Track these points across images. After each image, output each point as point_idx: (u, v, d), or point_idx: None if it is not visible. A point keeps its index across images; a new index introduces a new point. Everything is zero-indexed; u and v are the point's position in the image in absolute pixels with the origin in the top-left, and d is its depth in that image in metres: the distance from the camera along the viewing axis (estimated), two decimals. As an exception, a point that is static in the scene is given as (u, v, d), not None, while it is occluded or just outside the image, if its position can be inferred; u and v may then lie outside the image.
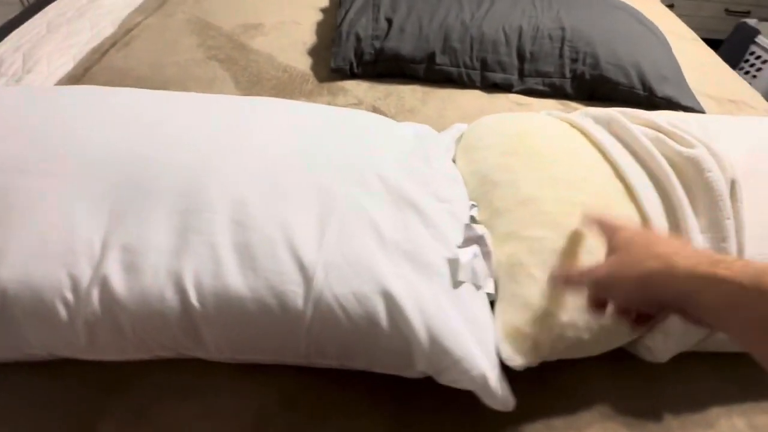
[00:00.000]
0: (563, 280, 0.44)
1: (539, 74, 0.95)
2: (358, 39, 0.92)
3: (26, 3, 1.20)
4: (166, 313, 0.42)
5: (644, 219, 0.51)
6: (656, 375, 0.55)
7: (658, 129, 0.56)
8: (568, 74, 0.94)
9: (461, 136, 0.68)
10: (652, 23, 1.05)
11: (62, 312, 0.41)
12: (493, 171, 0.58)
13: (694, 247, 0.37)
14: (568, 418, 0.51)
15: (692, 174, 0.51)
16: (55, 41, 0.96)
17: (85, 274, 0.42)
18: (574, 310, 0.47)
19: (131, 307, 0.42)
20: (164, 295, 0.42)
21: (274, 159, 0.50)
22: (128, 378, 0.50)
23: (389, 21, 0.93)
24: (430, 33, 0.92)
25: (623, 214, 0.52)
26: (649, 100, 0.92)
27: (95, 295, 0.42)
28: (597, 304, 0.41)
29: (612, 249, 0.41)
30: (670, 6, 2.42)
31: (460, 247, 0.47)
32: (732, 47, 2.22)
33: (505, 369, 0.46)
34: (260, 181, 0.47)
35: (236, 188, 0.46)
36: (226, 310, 0.42)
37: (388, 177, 0.51)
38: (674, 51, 1.17)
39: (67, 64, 0.91)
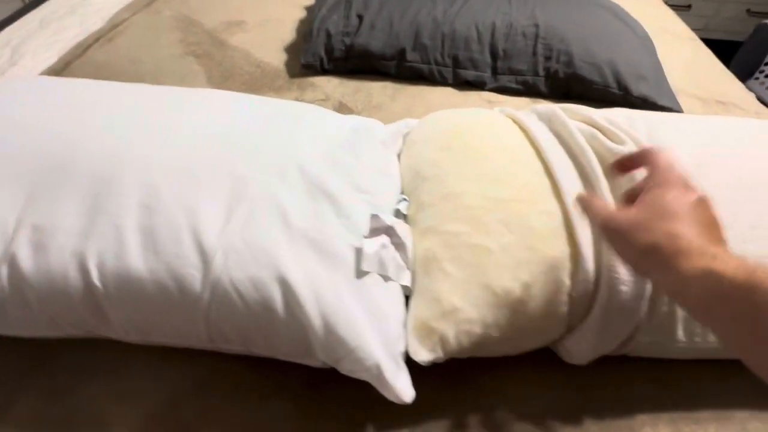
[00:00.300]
0: (583, 205, 0.43)
1: (512, 72, 0.94)
2: (329, 35, 0.92)
3: (26, 0, 1.25)
4: (69, 291, 0.43)
5: (566, 214, 0.49)
6: (586, 378, 0.53)
7: (594, 125, 0.55)
8: (541, 72, 0.93)
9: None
10: (634, 22, 1.01)
11: (-26, 287, 0.43)
12: (425, 166, 0.57)
13: (713, 237, 0.35)
14: (482, 416, 0.50)
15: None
16: (43, 36, 1.01)
17: (-4, 252, 0.44)
18: (484, 306, 0.46)
19: (36, 285, 0.43)
20: (68, 274, 0.43)
21: (195, 147, 0.51)
22: (52, 355, 0.52)
23: (360, 17, 0.94)
24: (400, 30, 0.92)
25: (546, 209, 0.50)
26: (624, 99, 0.90)
27: (4, 271, 0.43)
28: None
29: (647, 189, 0.39)
30: (687, 7, 2.34)
31: (366, 237, 0.47)
32: (752, 49, 2.13)
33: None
34: (176, 168, 0.48)
35: (150, 174, 0.48)
36: (127, 290, 0.43)
37: (308, 167, 0.51)
38: (668, 51, 1.14)
39: (51, 58, 0.95)
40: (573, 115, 0.58)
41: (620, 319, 0.46)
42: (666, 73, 1.04)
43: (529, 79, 0.93)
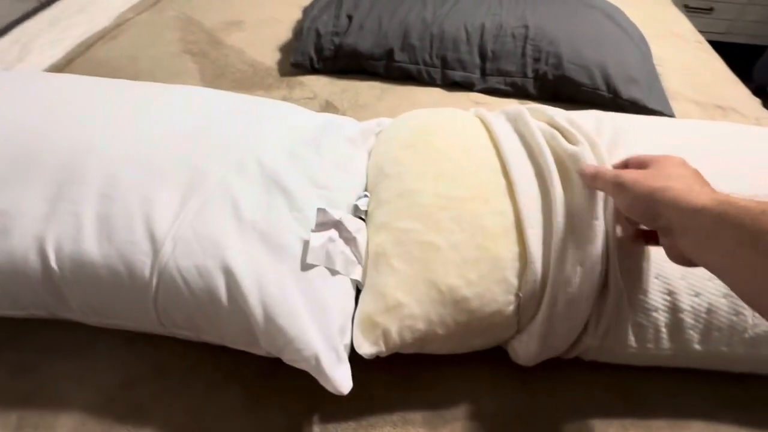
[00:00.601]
0: (592, 174, 0.45)
1: (501, 73, 0.93)
2: (318, 35, 0.94)
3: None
4: (29, 273, 0.46)
5: (518, 214, 0.49)
6: (539, 381, 0.53)
7: (555, 126, 0.54)
8: (530, 74, 0.92)
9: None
10: (630, 24, 1.00)
11: (-57, 266, 0.46)
12: (388, 163, 0.58)
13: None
14: (429, 414, 0.50)
15: (573, 170, 0.49)
16: (51, 34, 1.05)
17: (-36, 234, 0.46)
18: (428, 303, 0.47)
19: (-1, 266, 0.46)
20: (28, 257, 0.46)
21: (160, 141, 0.53)
22: (22, 334, 0.55)
23: (350, 18, 0.95)
24: (389, 30, 0.93)
25: (499, 209, 0.50)
26: (614, 102, 0.88)
27: (-29, 252, 0.46)
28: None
29: (646, 162, 0.43)
30: (709, 10, 2.27)
31: (313, 231, 0.48)
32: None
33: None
34: (138, 160, 0.50)
35: (112, 164, 0.50)
36: (82, 274, 0.45)
37: (267, 161, 0.53)
38: (671, 54, 1.11)
39: (56, 55, 0.99)
40: (539, 115, 0.58)
41: (566, 321, 0.46)
42: (665, 77, 1.03)
43: (518, 80, 0.93)
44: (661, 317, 0.48)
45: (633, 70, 0.90)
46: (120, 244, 0.45)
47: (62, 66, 0.95)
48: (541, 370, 0.52)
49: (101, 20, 1.12)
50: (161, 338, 0.53)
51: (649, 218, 0.40)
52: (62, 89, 0.59)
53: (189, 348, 0.53)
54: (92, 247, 0.45)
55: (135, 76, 0.94)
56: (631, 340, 0.48)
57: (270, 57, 1.01)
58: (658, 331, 0.48)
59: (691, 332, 0.48)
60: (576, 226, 0.46)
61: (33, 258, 0.45)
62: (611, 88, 0.88)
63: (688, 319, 0.48)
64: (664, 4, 1.40)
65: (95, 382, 0.52)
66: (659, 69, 1.03)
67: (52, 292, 0.47)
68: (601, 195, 0.47)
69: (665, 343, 0.48)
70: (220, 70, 0.96)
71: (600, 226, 0.46)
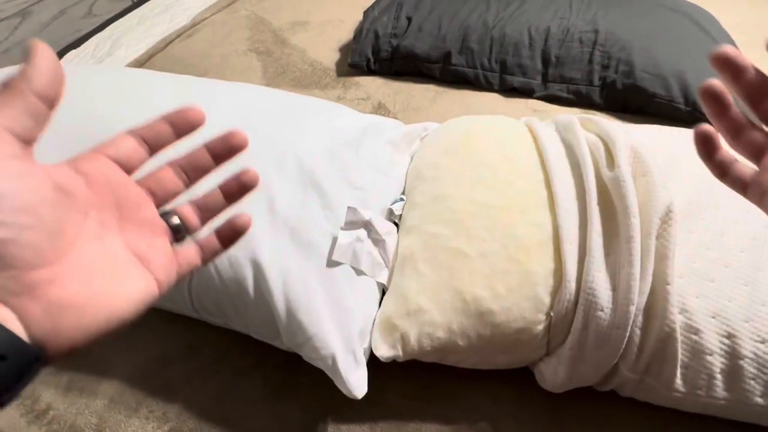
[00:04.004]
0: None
1: (564, 80, 0.88)
2: (377, 36, 0.94)
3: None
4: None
5: (556, 228, 0.46)
6: (567, 409, 0.49)
7: (604, 140, 0.50)
8: (597, 82, 0.86)
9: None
10: (718, 29, 0.90)
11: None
12: (427, 167, 0.57)
13: None
14: (443, 428, 0.49)
15: (616, 193, 0.45)
16: (138, 31, 1.15)
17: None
18: (450, 311, 0.45)
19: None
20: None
21: (206, 133, 0.56)
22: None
23: (409, 19, 0.94)
24: (448, 32, 0.91)
25: (536, 221, 0.48)
26: (692, 116, 0.80)
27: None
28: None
29: None
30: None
31: (342, 229, 0.48)
32: None
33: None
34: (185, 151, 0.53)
35: (165, 155, 0.53)
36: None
37: (305, 159, 0.54)
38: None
39: (140, 51, 1.08)
40: (591, 126, 0.54)
41: (597, 348, 0.42)
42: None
43: (583, 88, 0.87)
44: (717, 362, 0.43)
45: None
46: (162, 229, 0.48)
47: (143, 61, 1.03)
48: (572, 399, 0.49)
49: (181, 19, 1.20)
50: (197, 322, 0.56)
51: None
52: (132, 84, 0.64)
53: (221, 334, 0.56)
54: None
55: (204, 72, 1.01)
56: (678, 383, 0.43)
57: (330, 57, 1.03)
58: (711, 377, 0.43)
59: (753, 383, 0.42)
60: (611, 247, 0.42)
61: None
62: (689, 100, 0.80)
63: (749, 367, 0.42)
64: (764, 7, 1.26)
65: (134, 354, 0.55)
66: (751, 80, 0.93)
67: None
68: (636, 214, 0.42)
69: (719, 391, 0.43)
70: (282, 69, 1.00)
71: (636, 247, 0.42)
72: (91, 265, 0.21)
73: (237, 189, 0.28)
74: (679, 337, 0.42)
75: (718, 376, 0.43)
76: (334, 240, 0.48)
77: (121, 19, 1.23)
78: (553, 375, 0.45)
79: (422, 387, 0.51)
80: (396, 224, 0.55)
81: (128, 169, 0.25)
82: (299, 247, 0.47)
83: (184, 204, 0.28)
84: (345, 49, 1.06)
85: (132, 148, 0.25)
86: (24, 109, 0.20)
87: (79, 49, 1.12)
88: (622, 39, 0.85)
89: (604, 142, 0.50)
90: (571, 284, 0.44)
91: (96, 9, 1.41)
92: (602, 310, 0.41)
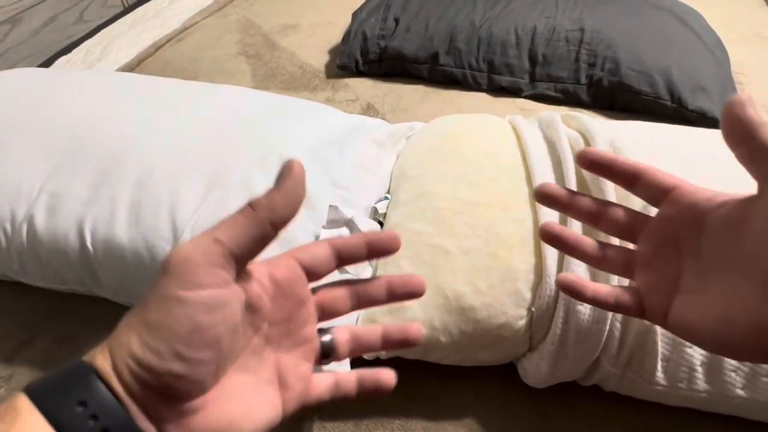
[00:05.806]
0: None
1: (551, 79, 0.89)
2: (365, 38, 0.95)
3: (126, 5, 1.44)
4: (69, 251, 0.50)
5: (537, 223, 0.47)
6: (553, 405, 0.49)
7: (585, 135, 0.51)
8: (583, 80, 0.87)
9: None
10: (705, 27, 0.91)
11: (2, 240, 0.52)
12: (411, 166, 0.57)
13: None
14: (428, 424, 0.49)
15: (595, 188, 0.45)
16: (129, 36, 1.15)
17: (21, 211, 0.52)
18: (432, 308, 0.46)
19: (46, 242, 0.51)
20: (68, 236, 0.50)
21: (194, 136, 0.56)
22: (68, 307, 0.60)
23: (397, 20, 0.95)
24: (435, 33, 0.92)
25: (517, 217, 0.48)
26: (678, 112, 0.81)
27: (24, 229, 0.51)
28: None
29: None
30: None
31: (324, 227, 0.48)
32: None
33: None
34: (172, 153, 0.54)
35: (151, 156, 0.53)
36: (112, 255, 0.49)
37: (287, 158, 0.54)
38: (756, 61, 1.00)
39: (130, 55, 1.08)
40: (576, 124, 0.54)
41: (578, 343, 0.43)
42: (746, 86, 0.93)
43: (570, 86, 0.88)
44: (697, 354, 0.43)
45: (703, 77, 0.82)
46: (145, 229, 0.49)
47: (133, 65, 1.04)
48: (557, 395, 0.49)
49: (173, 23, 1.21)
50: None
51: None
52: (120, 87, 0.65)
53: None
54: (122, 231, 0.49)
55: (194, 76, 1.02)
56: (659, 376, 0.43)
57: (319, 59, 1.04)
58: (692, 369, 0.43)
59: (734, 375, 0.43)
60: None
61: (73, 237, 0.50)
62: (675, 97, 0.81)
63: (730, 360, 0.42)
64: (754, 5, 1.27)
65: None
66: (740, 77, 0.93)
67: (87, 271, 0.51)
68: None
69: (700, 384, 0.43)
70: (271, 72, 1.00)
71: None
72: (237, 391, 0.21)
73: (398, 341, 0.27)
74: (659, 330, 0.43)
75: (699, 368, 0.43)
76: (316, 238, 0.48)
77: (112, 25, 1.23)
78: (536, 370, 0.45)
79: (407, 384, 0.51)
80: (381, 223, 0.55)
81: (314, 277, 0.24)
82: (281, 245, 0.47)
83: (342, 327, 0.26)
84: (334, 51, 1.06)
85: (325, 258, 0.25)
86: (253, 237, 0.20)
87: (69, 54, 1.12)
88: (608, 37, 0.86)
89: (585, 138, 0.50)
90: (551, 279, 0.44)
91: (87, 15, 1.41)
92: (582, 305, 0.41)
